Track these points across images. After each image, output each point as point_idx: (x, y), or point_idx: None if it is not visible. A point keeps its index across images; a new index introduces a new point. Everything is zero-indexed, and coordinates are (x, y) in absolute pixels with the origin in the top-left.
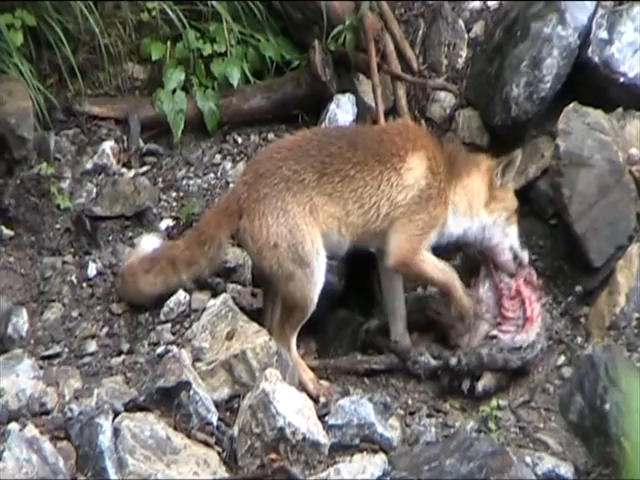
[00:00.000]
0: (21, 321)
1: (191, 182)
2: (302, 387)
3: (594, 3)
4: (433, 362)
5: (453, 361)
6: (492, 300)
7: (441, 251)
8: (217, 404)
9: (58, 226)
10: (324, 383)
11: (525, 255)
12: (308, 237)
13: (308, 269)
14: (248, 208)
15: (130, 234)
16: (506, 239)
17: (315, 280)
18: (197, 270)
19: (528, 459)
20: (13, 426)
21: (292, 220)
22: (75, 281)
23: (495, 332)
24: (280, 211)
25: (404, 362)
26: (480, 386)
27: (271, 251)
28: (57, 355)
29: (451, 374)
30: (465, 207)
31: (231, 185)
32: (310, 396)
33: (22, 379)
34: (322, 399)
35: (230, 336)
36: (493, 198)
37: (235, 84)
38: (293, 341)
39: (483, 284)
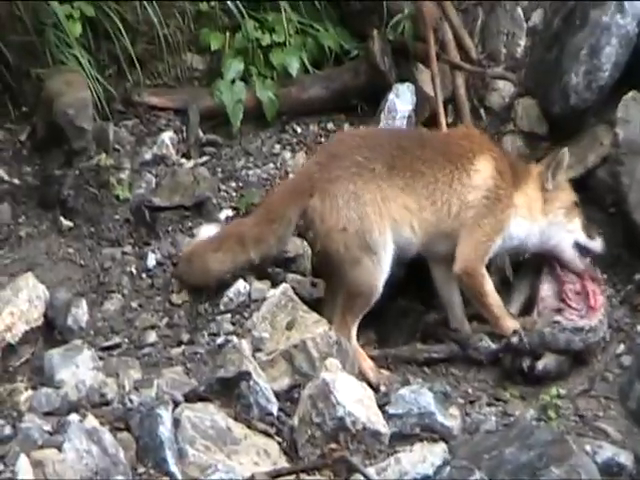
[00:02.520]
0: (81, 312)
1: (250, 172)
2: (362, 376)
3: None
4: (494, 345)
5: (515, 340)
6: (553, 298)
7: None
8: (277, 394)
9: (117, 217)
10: (384, 372)
11: (597, 244)
12: (376, 226)
13: (375, 257)
14: (320, 188)
15: (189, 224)
16: (569, 236)
17: (382, 268)
18: (265, 248)
19: (588, 447)
20: (73, 417)
21: (362, 207)
22: (134, 272)
23: (558, 318)
24: (351, 195)
25: (464, 350)
26: (540, 365)
27: (339, 234)
28: (117, 346)
29: (513, 355)
30: (525, 212)
31: (290, 175)
32: (370, 385)
33: (82, 370)
34: (382, 388)
35: (290, 326)
36: (547, 201)
37: (294, 74)
38: (354, 330)
39: (545, 282)
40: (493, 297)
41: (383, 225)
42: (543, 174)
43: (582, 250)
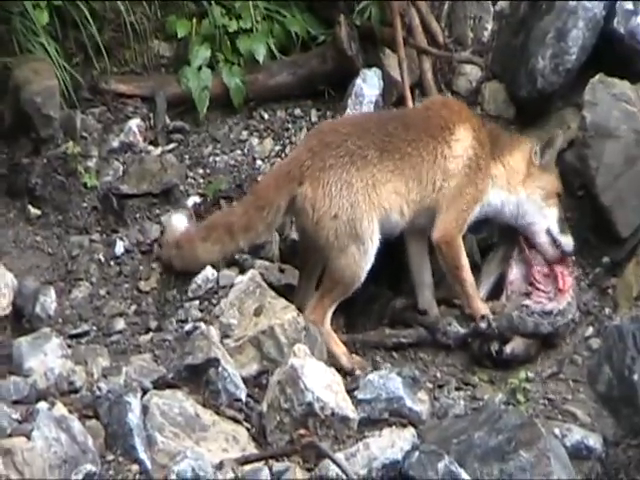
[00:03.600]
0: (49, 300)
1: (218, 159)
2: (335, 361)
3: None
4: (462, 330)
5: (483, 325)
6: (521, 281)
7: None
8: (246, 380)
9: (85, 205)
10: (356, 357)
11: (566, 241)
12: (366, 216)
13: (362, 247)
14: (311, 176)
15: (157, 211)
16: (543, 220)
17: (367, 258)
18: (254, 236)
19: (557, 431)
20: (42, 405)
21: (354, 196)
22: (102, 259)
23: (527, 302)
24: (344, 183)
25: (433, 334)
26: (508, 349)
27: (330, 222)
28: (85, 334)
29: (481, 339)
30: (504, 182)
31: (258, 161)
32: (340, 370)
33: (50, 358)
34: (357, 372)
35: (258, 312)
36: (530, 176)
37: (261, 60)
38: (329, 314)
39: (513, 265)
40: (468, 272)
41: (372, 215)
42: (533, 148)
43: (552, 242)
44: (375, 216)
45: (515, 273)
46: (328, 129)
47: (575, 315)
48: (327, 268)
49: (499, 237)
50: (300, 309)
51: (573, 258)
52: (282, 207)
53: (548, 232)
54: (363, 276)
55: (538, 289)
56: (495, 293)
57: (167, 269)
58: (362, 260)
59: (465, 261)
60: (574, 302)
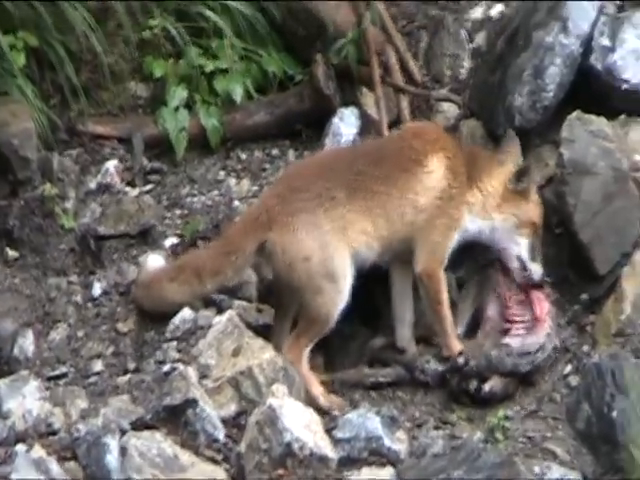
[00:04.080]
0: (27, 342)
1: (195, 199)
2: (312, 401)
3: (596, 10)
4: (440, 367)
5: (461, 360)
6: (498, 318)
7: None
8: (224, 421)
9: (63, 246)
10: (334, 397)
11: (535, 269)
12: (337, 254)
13: (337, 285)
14: (280, 221)
15: (135, 252)
16: (515, 247)
17: (342, 297)
18: (223, 280)
19: (536, 469)
20: (20, 447)
21: (323, 237)
22: (80, 301)
23: (506, 340)
24: (312, 226)
25: (411, 372)
26: (487, 387)
27: (302, 264)
28: (63, 375)
29: (459, 377)
30: (480, 208)
31: (235, 202)
32: (319, 410)
33: (28, 400)
34: (336, 412)
35: (236, 353)
36: (506, 201)
37: (238, 100)
38: (305, 354)
39: (490, 302)
40: (448, 309)
41: (344, 254)
42: (510, 172)
43: (523, 269)
44: (347, 255)
45: (492, 308)
46: (295, 172)
47: (556, 342)
48: (302, 308)
49: (473, 273)
50: (277, 348)
51: (547, 279)
52: (251, 252)
53: (519, 258)
54: (337, 314)
55: (515, 322)
56: (472, 328)
57: (142, 310)
58: (337, 298)
59: (446, 297)
60: (553, 331)
